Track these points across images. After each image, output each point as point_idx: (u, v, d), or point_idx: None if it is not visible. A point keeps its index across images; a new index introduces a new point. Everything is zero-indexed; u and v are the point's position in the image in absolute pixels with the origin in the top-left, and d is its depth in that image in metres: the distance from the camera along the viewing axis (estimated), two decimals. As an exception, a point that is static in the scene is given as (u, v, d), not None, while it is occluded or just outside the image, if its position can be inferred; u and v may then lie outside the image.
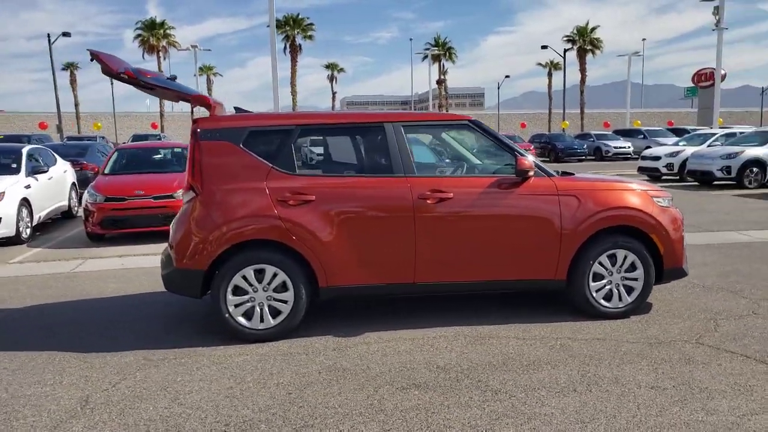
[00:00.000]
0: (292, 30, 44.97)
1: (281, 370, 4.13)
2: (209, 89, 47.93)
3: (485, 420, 3.33)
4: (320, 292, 4.77)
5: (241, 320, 4.70)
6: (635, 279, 5.11)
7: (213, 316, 5.25)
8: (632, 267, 5.10)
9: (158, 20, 43.22)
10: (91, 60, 4.82)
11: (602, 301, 5.09)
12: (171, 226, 4.89)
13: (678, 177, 18.13)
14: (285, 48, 46.03)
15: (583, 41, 49.54)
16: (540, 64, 58.29)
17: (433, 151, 8.46)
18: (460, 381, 3.87)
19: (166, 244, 5.14)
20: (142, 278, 7.14)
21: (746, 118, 51.00)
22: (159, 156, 11.61)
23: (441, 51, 47.56)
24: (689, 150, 18.29)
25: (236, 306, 4.70)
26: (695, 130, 32.95)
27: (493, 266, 4.94)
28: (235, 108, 5.42)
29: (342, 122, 5.07)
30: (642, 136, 31.89)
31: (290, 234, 4.64)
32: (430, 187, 4.83)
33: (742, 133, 19.09)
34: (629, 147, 31.24)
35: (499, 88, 56.85)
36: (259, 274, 4.70)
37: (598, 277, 5.07)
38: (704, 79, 40.79)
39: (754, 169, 15.90)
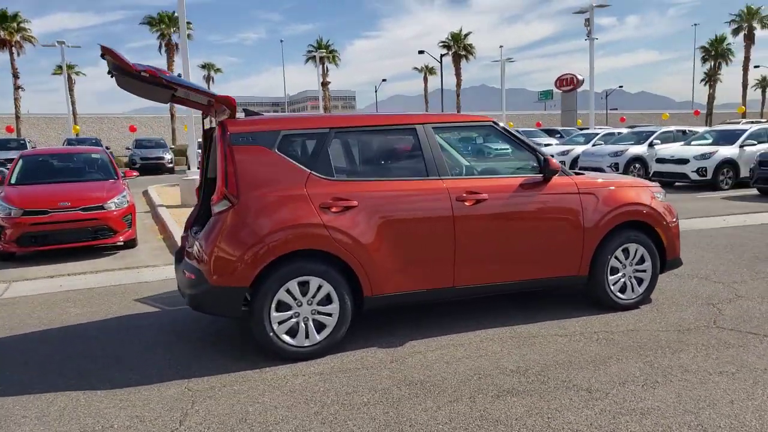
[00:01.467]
0: (168, 28, 42.40)
1: (356, 388, 3.87)
2: (71, 90, 43.84)
3: (604, 420, 3.36)
4: (365, 303, 4.55)
5: (286, 338, 4.36)
6: (644, 271, 5.42)
7: (240, 335, 4.86)
8: (642, 260, 5.40)
9: (8, 12, 38.76)
10: (102, 56, 4.22)
11: (618, 294, 5.35)
12: (199, 241, 4.41)
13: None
14: (160, 46, 43.36)
15: (458, 47, 51.85)
16: (416, 68, 60.04)
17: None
18: (545, 383, 3.86)
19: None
20: (105, 300, 6.38)
21: (608, 120, 55.91)
22: (73, 163, 10.43)
23: (325, 53, 47.40)
24: (579, 149, 19.79)
25: (280, 323, 4.34)
26: (566, 130, 35.81)
27: (526, 266, 5.00)
28: (245, 111, 5.01)
29: (376, 124, 4.87)
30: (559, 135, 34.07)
31: (335, 242, 4.38)
32: (466, 188, 4.78)
33: (620, 133, 21.01)
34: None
35: (376, 91, 57.83)
36: (303, 286, 4.38)
37: (614, 270, 5.31)
38: (566, 84, 44.18)
39: (637, 165, 17.63)
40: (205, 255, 4.30)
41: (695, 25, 69.14)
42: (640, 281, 5.43)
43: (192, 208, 5.70)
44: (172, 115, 44.57)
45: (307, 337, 4.40)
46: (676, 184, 16.33)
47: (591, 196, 5.16)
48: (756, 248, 7.87)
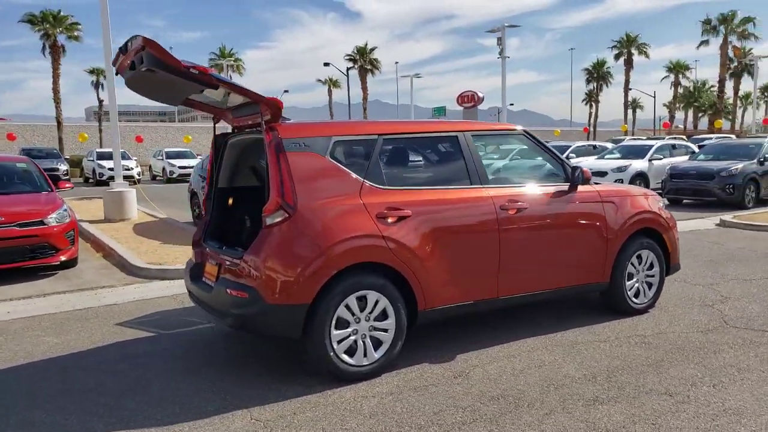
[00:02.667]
0: (53, 28, 39.00)
1: (439, 407, 3.67)
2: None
3: (706, 422, 3.41)
4: (418, 317, 4.36)
5: (345, 357, 4.07)
6: (653, 276, 5.65)
7: (268, 355, 4.49)
8: (651, 265, 5.63)
9: None
10: (142, 48, 3.75)
11: (633, 299, 5.53)
12: (250, 256, 4.00)
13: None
14: (44, 48, 39.79)
15: (364, 61, 52.30)
16: (320, 80, 59.72)
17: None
18: (622, 389, 3.88)
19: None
20: (80, 327, 5.67)
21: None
22: (-2, 173, 9.26)
23: (231, 61, 45.82)
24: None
25: (339, 342, 4.05)
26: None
27: (559, 274, 5.04)
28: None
29: (421, 131, 4.70)
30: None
31: (393, 254, 4.16)
32: (508, 197, 4.75)
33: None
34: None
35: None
36: (361, 301, 4.12)
37: (630, 276, 5.49)
38: (467, 101, 45.78)
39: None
40: (260, 271, 3.92)
41: (571, 49, 74.38)
42: (650, 286, 5.64)
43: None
44: (59, 123, 41.09)
45: (365, 355, 4.14)
46: None
47: (611, 204, 5.30)
48: (705, 253, 8.48)
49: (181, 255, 8.65)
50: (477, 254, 4.57)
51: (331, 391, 3.94)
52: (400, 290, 4.24)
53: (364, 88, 53.45)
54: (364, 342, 4.14)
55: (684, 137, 29.80)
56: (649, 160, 17.05)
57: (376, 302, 4.15)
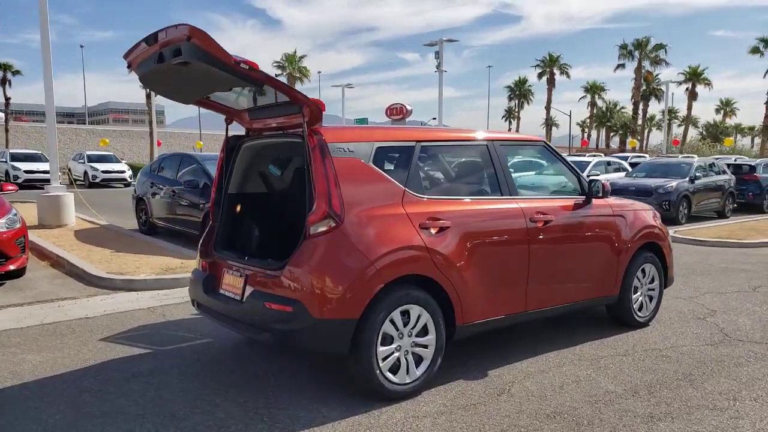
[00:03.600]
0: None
1: (500, 427, 3.52)
2: None
3: (765, 435, 3.45)
4: (456, 332, 4.19)
5: (389, 375, 3.84)
6: (654, 289, 5.78)
7: (289, 373, 4.20)
8: (653, 279, 5.75)
9: None
10: (187, 39, 3.40)
11: (638, 312, 5.62)
12: (293, 268, 3.70)
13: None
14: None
15: (293, 68, 51.68)
16: (248, 87, 57.97)
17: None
18: (670, 404, 3.86)
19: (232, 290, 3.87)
20: (59, 343, 5.10)
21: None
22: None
23: None
24: None
25: (384, 359, 3.82)
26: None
27: (579, 288, 5.03)
28: None
29: (455, 140, 4.56)
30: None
31: (435, 267, 3.99)
32: (536, 209, 4.69)
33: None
34: None
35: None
36: (404, 316, 3.92)
37: (635, 290, 5.58)
38: (395, 113, 46.23)
39: None
40: (306, 284, 3.63)
41: (489, 67, 76.77)
42: (650, 299, 5.76)
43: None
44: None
45: (407, 372, 3.93)
46: None
47: (622, 218, 5.37)
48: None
49: (142, 264, 8.08)
50: (509, 267, 4.47)
51: (378, 412, 3.70)
52: (440, 304, 4.07)
53: (295, 96, 52.46)
54: (406, 359, 3.93)
55: (602, 154, 31.35)
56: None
57: (418, 317, 3.96)
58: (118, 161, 29.79)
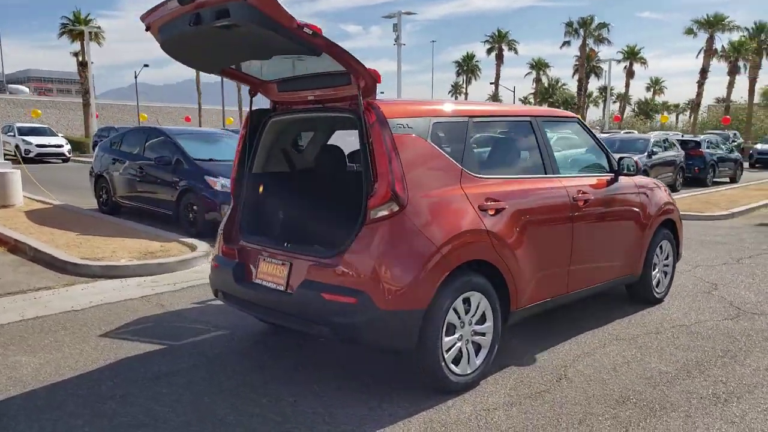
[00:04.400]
0: None
1: (581, 416, 3.37)
2: None
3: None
4: (509, 318, 4.01)
5: (453, 367, 3.62)
6: (668, 265, 5.79)
7: (331, 365, 3.94)
8: (668, 255, 5.76)
9: None
10: (244, 2, 2.98)
11: (656, 288, 5.62)
12: (352, 254, 3.39)
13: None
14: None
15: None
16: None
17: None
18: (728, 383, 3.84)
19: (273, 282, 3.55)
20: (49, 340, 4.61)
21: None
22: None
23: (94, 28, 40.47)
24: None
25: (448, 350, 3.59)
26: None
27: (613, 266, 4.97)
28: None
29: (502, 116, 4.31)
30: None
31: (495, 251, 3.77)
32: (576, 188, 4.54)
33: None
34: None
35: (136, 76, 52.49)
36: (465, 304, 3.69)
37: (654, 266, 5.56)
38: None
39: None
40: (371, 273, 3.33)
41: (433, 41, 76.55)
42: (665, 275, 5.77)
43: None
44: None
45: (468, 362, 3.72)
46: None
47: (646, 196, 5.32)
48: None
49: (117, 248, 7.51)
50: (556, 248, 4.33)
51: (444, 406, 3.49)
52: (499, 290, 3.87)
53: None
54: (467, 348, 3.72)
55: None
56: None
57: (478, 304, 3.75)
58: (54, 134, 27.97)
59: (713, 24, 49.00)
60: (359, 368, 4.06)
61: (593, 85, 64.72)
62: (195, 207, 8.83)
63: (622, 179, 5.11)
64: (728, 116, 44.85)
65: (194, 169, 9.02)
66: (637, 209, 5.17)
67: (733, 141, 31.79)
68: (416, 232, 3.42)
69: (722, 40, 50.38)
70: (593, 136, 5.10)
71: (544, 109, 5.01)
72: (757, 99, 52.83)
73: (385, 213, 3.39)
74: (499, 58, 60.92)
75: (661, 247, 5.60)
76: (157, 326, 4.94)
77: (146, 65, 52.65)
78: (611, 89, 53.32)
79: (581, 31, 54.29)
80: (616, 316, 5.23)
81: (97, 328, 4.88)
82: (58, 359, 4.22)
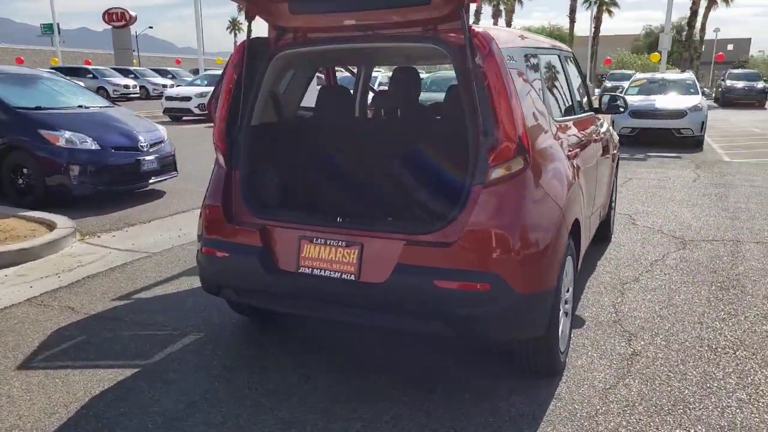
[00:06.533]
0: None
1: (701, 395, 3.11)
2: None
3: None
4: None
5: (560, 346, 3.10)
6: (613, 200, 5.87)
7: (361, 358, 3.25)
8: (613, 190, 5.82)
9: None
10: None
11: (613, 226, 5.64)
12: (469, 229, 2.58)
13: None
14: None
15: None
16: None
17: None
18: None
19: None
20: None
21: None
22: None
23: None
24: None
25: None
26: (142, 71, 33.18)
27: (605, 208, 4.85)
28: None
29: (544, 47, 3.70)
30: (91, 75, 29.81)
31: (580, 206, 3.28)
32: (591, 128, 4.21)
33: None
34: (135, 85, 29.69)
35: None
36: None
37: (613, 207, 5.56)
38: (116, 19, 40.03)
39: None
40: (505, 249, 2.59)
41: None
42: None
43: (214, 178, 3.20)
44: None
45: (564, 340, 3.22)
46: (184, 118, 18.04)
47: (611, 135, 5.20)
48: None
49: (18, 225, 5.75)
50: (592, 193, 3.96)
51: (567, 395, 2.96)
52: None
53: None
54: (564, 321, 3.21)
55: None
56: None
57: (568, 270, 3.23)
58: None
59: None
60: (422, 353, 3.33)
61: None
62: (26, 170, 6.81)
63: (600, 118, 4.91)
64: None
65: (18, 120, 6.90)
66: (612, 148, 5.05)
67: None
68: (543, 192, 2.76)
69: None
70: (582, 75, 4.77)
71: (551, 40, 4.47)
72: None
73: (509, 170, 2.64)
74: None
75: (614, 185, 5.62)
76: (95, 342, 3.56)
77: None
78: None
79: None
80: (595, 260, 5.11)
81: (7, 356, 3.37)
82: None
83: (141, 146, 7.19)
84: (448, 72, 14.90)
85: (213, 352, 3.40)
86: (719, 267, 4.89)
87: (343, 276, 2.81)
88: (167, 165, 7.60)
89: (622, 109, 4.79)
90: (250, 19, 3.09)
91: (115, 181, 7.02)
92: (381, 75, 17.79)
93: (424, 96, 5.25)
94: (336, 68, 4.48)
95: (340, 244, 2.83)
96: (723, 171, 9.81)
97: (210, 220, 3.15)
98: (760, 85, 27.95)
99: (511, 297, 2.60)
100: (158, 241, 5.60)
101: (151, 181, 7.36)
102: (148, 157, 7.22)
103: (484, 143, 2.63)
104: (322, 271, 2.85)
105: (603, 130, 4.75)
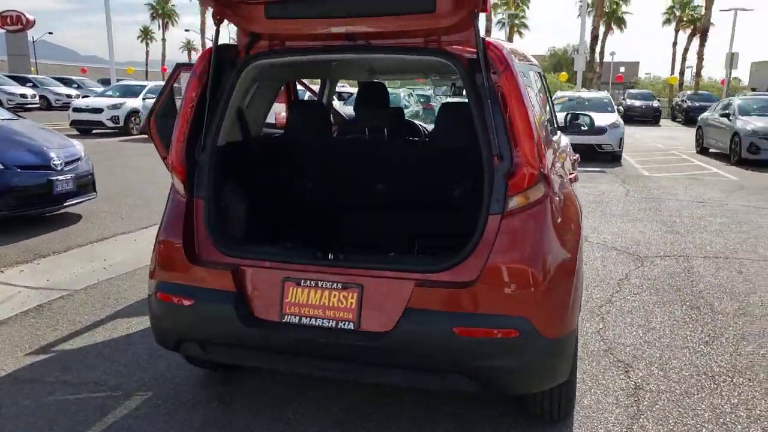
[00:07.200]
0: None
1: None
2: None
3: None
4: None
5: (571, 388, 2.82)
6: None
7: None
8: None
9: None
10: None
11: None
12: (491, 266, 2.24)
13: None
14: None
15: None
16: None
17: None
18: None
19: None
20: None
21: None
22: None
23: None
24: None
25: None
26: (42, 80, 30.81)
27: None
28: None
29: (529, 62, 3.44)
30: (31, 84, 27.85)
31: None
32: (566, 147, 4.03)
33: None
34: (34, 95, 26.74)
35: None
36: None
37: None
38: (11, 23, 37.15)
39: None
40: (532, 288, 2.26)
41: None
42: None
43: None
44: None
45: (570, 376, 2.96)
46: (94, 131, 17.16)
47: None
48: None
49: None
50: None
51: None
52: None
53: None
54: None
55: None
56: (143, 99, 17.45)
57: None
58: None
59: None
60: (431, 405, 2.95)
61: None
62: None
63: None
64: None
65: None
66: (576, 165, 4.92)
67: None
68: (563, 221, 2.47)
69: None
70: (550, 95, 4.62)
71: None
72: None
73: (529, 198, 2.34)
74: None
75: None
76: (8, 414, 2.90)
77: None
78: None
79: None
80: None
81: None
82: None
83: (54, 164, 6.36)
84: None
85: (170, 417, 2.86)
86: (681, 285, 4.87)
87: (340, 325, 2.39)
88: (85, 185, 6.77)
89: (584, 128, 4.66)
90: (218, 23, 2.64)
91: (21, 205, 6.16)
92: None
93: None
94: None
95: (334, 286, 2.41)
96: (647, 185, 10.15)
97: (167, 259, 2.64)
98: (655, 104, 31.29)
99: (539, 344, 2.28)
100: (79, 276, 4.86)
101: (66, 204, 6.53)
102: (61, 177, 6.39)
103: (500, 168, 2.31)
104: (313, 319, 2.42)
105: (569, 149, 4.61)
